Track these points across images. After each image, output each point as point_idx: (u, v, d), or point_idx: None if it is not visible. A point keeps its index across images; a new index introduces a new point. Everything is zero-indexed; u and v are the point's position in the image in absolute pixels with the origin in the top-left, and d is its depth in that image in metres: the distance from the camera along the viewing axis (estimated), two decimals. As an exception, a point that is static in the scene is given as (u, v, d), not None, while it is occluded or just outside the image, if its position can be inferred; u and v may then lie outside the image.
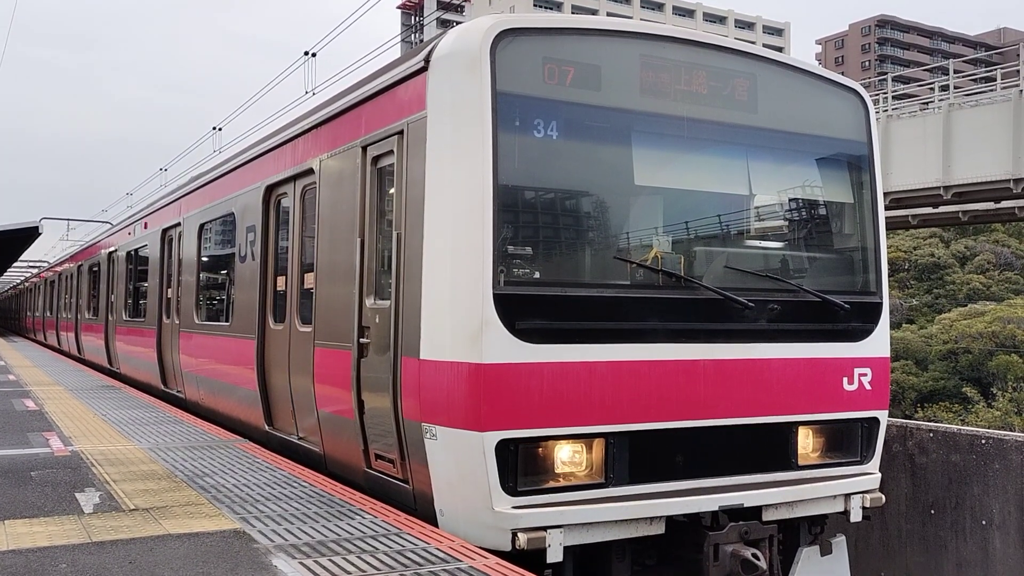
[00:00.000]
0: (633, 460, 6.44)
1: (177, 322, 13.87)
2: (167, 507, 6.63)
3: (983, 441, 9.50)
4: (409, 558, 5.38)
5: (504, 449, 5.98)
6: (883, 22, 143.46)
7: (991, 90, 31.71)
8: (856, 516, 7.33)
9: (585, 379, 6.21)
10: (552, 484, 6.22)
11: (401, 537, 5.86)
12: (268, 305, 9.94)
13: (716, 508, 6.53)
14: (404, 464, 6.78)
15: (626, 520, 6.27)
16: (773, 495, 6.83)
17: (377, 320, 7.20)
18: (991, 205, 33.87)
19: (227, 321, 11.26)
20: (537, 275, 6.35)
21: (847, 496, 7.30)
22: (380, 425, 7.11)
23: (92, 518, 6.27)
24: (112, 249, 20.61)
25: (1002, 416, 44.17)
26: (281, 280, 9.73)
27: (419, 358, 6.43)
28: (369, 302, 7.40)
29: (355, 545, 5.64)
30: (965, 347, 51.93)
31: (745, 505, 6.66)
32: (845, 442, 7.46)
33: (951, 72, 32.57)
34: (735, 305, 6.75)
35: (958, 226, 52.00)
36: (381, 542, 5.73)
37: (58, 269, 33.23)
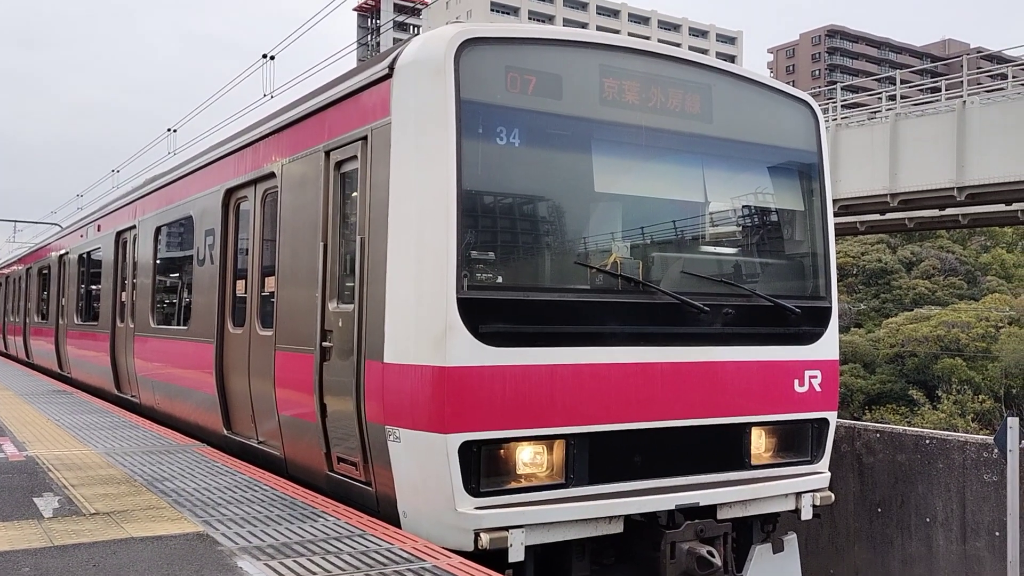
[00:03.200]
0: (592, 461, 6.58)
1: (132, 326, 13.74)
2: (128, 511, 6.60)
3: (927, 441, 9.83)
4: (373, 558, 5.43)
5: (467, 451, 6.09)
6: (833, 32, 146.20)
7: (936, 100, 32.55)
8: (807, 514, 7.56)
9: (547, 382, 6.35)
10: (514, 485, 6.34)
11: (364, 538, 5.90)
12: (227, 309, 9.92)
13: (673, 507, 6.71)
14: (367, 467, 6.85)
15: (585, 520, 6.42)
16: (727, 494, 7.03)
17: (340, 324, 7.27)
18: (936, 212, 34.75)
19: (184, 325, 11.22)
20: (499, 280, 6.48)
21: (798, 495, 7.53)
22: (343, 428, 7.17)
23: (53, 522, 6.23)
24: (63, 252, 20.31)
25: (947, 418, 45.32)
26: (241, 284, 9.73)
27: (383, 361, 6.51)
28: (332, 306, 7.46)
29: (319, 547, 5.67)
30: (911, 351, 53.17)
31: (700, 504, 6.85)
32: (796, 442, 7.69)
33: (898, 82, 33.38)
34: (691, 309, 6.94)
35: (904, 232, 53.16)
36: (345, 543, 5.77)
37: (5, 272, 32.59)
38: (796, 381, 7.60)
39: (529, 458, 6.41)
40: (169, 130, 33.97)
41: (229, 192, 9.96)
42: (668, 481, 6.90)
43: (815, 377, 7.71)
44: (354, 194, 7.29)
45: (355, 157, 7.21)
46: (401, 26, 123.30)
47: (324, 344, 7.45)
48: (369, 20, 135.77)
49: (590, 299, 6.66)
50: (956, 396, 48.44)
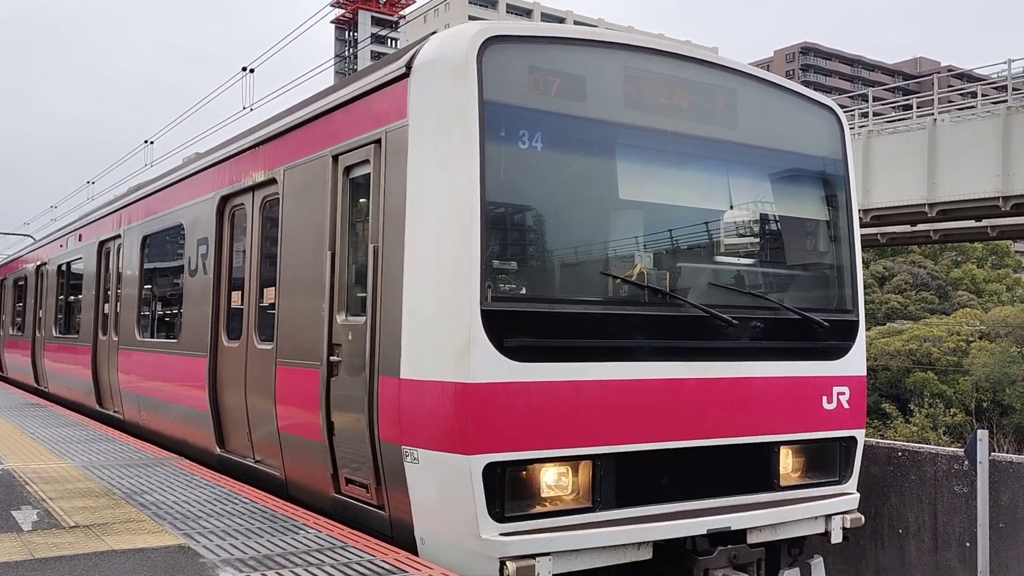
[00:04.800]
0: (619, 483, 6.24)
1: (116, 339, 13.24)
2: (108, 524, 6.52)
3: (899, 453, 9.83)
4: (355, 570, 5.41)
5: (491, 473, 5.72)
6: (806, 49, 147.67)
7: (908, 118, 32.72)
8: (836, 537, 7.24)
9: (573, 399, 6.00)
10: (539, 509, 5.98)
11: (346, 550, 5.88)
12: (221, 321, 9.49)
13: (704, 532, 6.37)
14: (380, 489, 6.46)
15: (614, 546, 6.06)
16: (759, 517, 6.69)
17: (350, 337, 6.88)
18: (908, 228, 34.92)
19: (174, 338, 10.75)
20: (523, 291, 6.13)
21: (828, 517, 7.21)
22: (352, 448, 6.78)
23: (32, 535, 6.15)
24: (41, 262, 19.71)
25: (919, 431, 45.49)
26: (236, 295, 9.31)
27: (399, 377, 6.14)
28: (340, 318, 7.08)
29: (301, 558, 5.67)
30: (884, 364, 53.34)
31: (732, 528, 6.51)
32: (824, 462, 7.38)
33: (870, 100, 33.45)
34: (719, 322, 6.62)
35: (877, 247, 53.45)
36: (327, 555, 5.75)
37: None
38: (824, 398, 7.30)
39: (555, 480, 6.05)
40: (146, 142, 33.89)
41: (224, 199, 9.55)
42: (696, 504, 6.56)
43: (843, 393, 7.41)
44: (365, 200, 6.92)
45: (367, 161, 6.85)
46: (380, 39, 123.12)
47: (332, 358, 7.06)
48: (347, 33, 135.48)
49: (618, 311, 6.33)
50: (928, 409, 48.70)
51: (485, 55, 5.95)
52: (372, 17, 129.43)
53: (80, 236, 16.25)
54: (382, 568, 5.44)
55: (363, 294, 6.81)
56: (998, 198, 26.59)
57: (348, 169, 7.16)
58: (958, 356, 52.19)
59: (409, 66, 6.30)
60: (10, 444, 10.73)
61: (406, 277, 6.16)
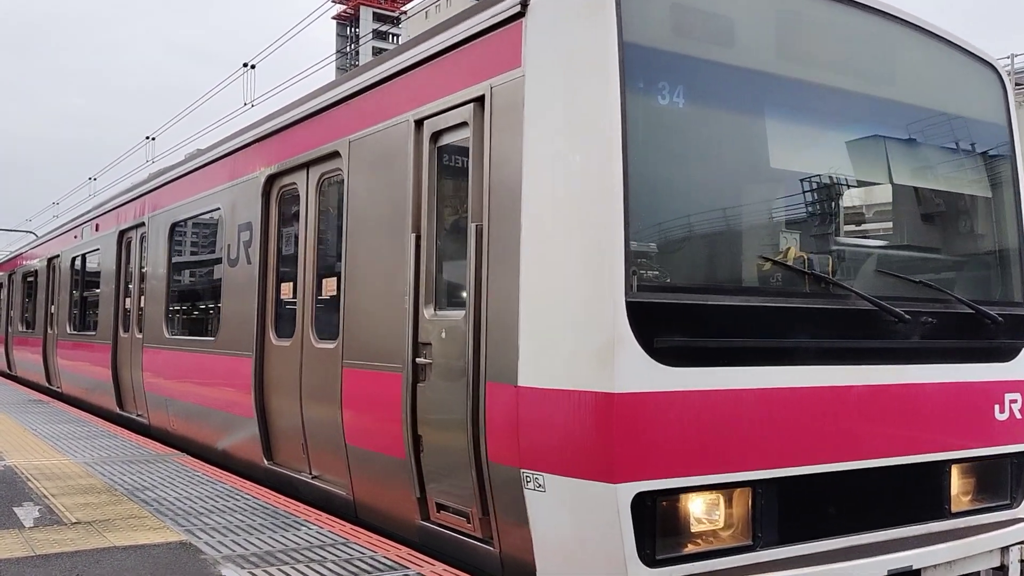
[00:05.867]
0: (782, 514, 5.10)
1: (139, 336, 12.12)
2: (110, 520, 6.53)
3: None
4: (357, 566, 5.37)
5: (640, 505, 4.58)
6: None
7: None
8: (1015, 572, 6.10)
9: (731, 411, 4.86)
10: (692, 549, 4.84)
11: (348, 546, 5.86)
12: (268, 317, 8.37)
13: (885, 573, 5.22)
14: (487, 520, 5.34)
15: None
16: (937, 554, 5.54)
17: (443, 335, 5.75)
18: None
19: (211, 336, 9.62)
20: (670, 279, 4.98)
21: (1004, 549, 6.06)
22: (447, 468, 5.66)
23: (34, 532, 6.14)
24: (53, 255, 18.59)
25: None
26: (287, 287, 8.17)
27: (516, 385, 5.00)
28: (428, 313, 5.95)
29: (303, 555, 5.62)
30: None
31: (914, 568, 5.36)
32: (996, 482, 6.23)
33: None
34: (891, 318, 5.48)
35: None
36: (328, 551, 5.71)
37: None
38: (997, 406, 6.16)
39: (710, 512, 4.91)
40: (148, 138, 33.64)
41: (271, 179, 8.41)
42: (866, 538, 5.41)
43: (1015, 401, 6.26)
44: (461, 172, 5.79)
45: (463, 124, 5.71)
46: (381, 35, 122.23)
47: (418, 360, 5.94)
48: (348, 29, 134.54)
49: (783, 304, 5.18)
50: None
51: None
52: (373, 13, 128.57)
53: (97, 226, 15.13)
54: (383, 564, 5.40)
55: (460, 284, 5.69)
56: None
57: (436, 135, 6.03)
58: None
59: (524, 3, 5.15)
60: (13, 440, 10.70)
61: (523, 262, 5.02)
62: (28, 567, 5.24)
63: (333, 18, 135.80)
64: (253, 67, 24.06)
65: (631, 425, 4.55)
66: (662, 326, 4.68)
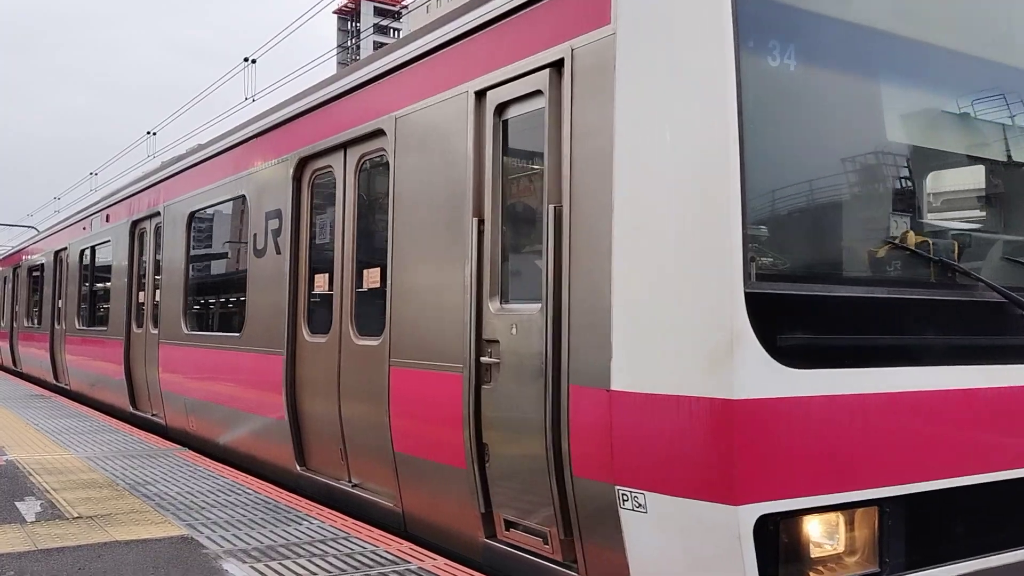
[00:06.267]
0: (911, 535, 4.46)
1: (155, 332, 11.48)
2: (112, 515, 6.52)
3: None
4: (359, 560, 5.35)
5: (762, 529, 3.95)
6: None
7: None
8: None
9: (860, 420, 4.22)
10: None
11: (349, 541, 5.83)
12: (301, 311, 7.73)
13: None
14: (571, 541, 4.70)
15: None
16: None
17: (514, 332, 5.11)
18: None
19: (235, 331, 8.98)
20: (791, 267, 4.33)
21: None
22: (520, 481, 5.02)
23: (36, 526, 6.13)
24: (60, 248, 17.94)
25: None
26: (321, 279, 7.53)
27: (608, 389, 4.35)
28: (493, 306, 5.30)
29: (304, 549, 5.62)
30: None
31: None
32: None
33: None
34: (1020, 311, 4.83)
35: None
36: (330, 546, 5.70)
37: None
38: None
39: (836, 536, 4.27)
40: (149, 133, 33.43)
41: (304, 162, 7.76)
42: (998, 559, 4.78)
43: None
44: (532, 147, 5.15)
45: (537, 93, 5.05)
46: (382, 30, 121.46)
47: (483, 360, 5.29)
48: (349, 23, 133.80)
49: (918, 296, 4.54)
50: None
51: None
52: (375, 7, 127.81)
53: (108, 216, 14.48)
54: (385, 558, 5.38)
55: (532, 273, 5.05)
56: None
57: (501, 107, 5.37)
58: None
59: None
60: (14, 435, 10.68)
61: (616, 247, 4.37)
62: (30, 561, 5.25)
63: (334, 12, 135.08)
64: (254, 62, 23.94)
65: (754, 437, 3.91)
66: (785, 321, 4.04)
